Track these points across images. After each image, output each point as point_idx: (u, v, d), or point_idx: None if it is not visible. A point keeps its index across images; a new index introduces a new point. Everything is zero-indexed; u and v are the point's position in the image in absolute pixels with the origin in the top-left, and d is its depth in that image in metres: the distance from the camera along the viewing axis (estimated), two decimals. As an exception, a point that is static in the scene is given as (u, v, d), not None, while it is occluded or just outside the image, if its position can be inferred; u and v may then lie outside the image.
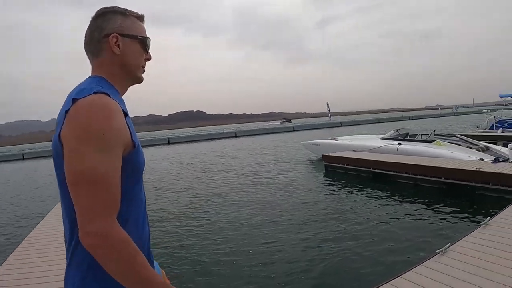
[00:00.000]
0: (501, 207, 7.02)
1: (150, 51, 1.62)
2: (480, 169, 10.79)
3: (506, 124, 26.56)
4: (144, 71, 1.60)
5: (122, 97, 1.54)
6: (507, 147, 13.22)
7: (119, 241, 1.21)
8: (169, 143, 54.50)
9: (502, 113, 29.42)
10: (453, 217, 9.14)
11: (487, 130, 27.27)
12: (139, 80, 1.61)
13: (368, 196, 11.93)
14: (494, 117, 28.03)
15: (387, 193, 12.06)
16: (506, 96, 29.38)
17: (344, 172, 15.98)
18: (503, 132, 24.99)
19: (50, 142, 1.39)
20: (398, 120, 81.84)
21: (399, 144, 16.37)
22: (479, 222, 6.02)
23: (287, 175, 17.00)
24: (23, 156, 49.97)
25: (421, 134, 17.46)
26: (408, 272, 4.32)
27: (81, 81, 1.44)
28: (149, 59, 1.62)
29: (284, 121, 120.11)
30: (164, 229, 9.72)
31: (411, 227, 8.61)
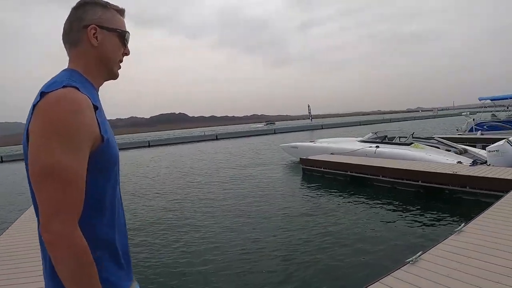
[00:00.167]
0: (479, 210, 6.93)
1: (130, 47, 1.61)
2: (457, 173, 10.73)
3: (485, 127, 26.80)
4: (120, 66, 1.58)
5: (98, 91, 1.52)
6: (485, 149, 13.23)
7: (80, 248, 1.20)
8: (149, 146, 53.92)
9: (481, 115, 29.65)
10: (429, 221, 9.03)
11: (466, 132, 27.50)
12: (115, 76, 1.59)
13: (345, 200, 11.81)
14: (474, 119, 28.25)
15: (364, 197, 11.92)
16: (485, 99, 29.62)
17: (321, 175, 15.83)
18: (482, 134, 25.22)
19: None
20: (379, 122, 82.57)
21: (377, 147, 16.32)
22: (455, 226, 5.88)
23: (264, 179, 16.81)
24: (1, 159, 48.28)
25: (399, 137, 17.43)
26: (375, 283, 4.13)
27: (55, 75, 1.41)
28: (127, 54, 1.60)
29: (268, 123, 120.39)
30: (133, 238, 9.40)
31: (387, 232, 8.44)
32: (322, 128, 73.43)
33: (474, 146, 19.20)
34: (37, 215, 1.28)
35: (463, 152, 14.78)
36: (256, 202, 12.35)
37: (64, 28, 1.48)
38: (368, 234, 8.40)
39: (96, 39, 1.46)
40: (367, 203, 11.14)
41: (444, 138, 20.07)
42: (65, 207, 1.19)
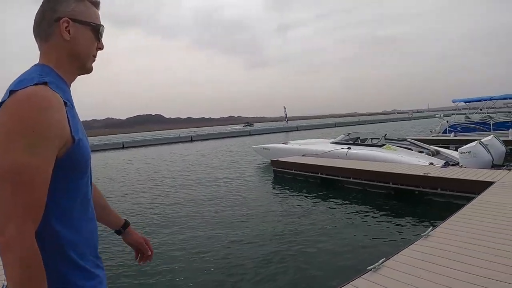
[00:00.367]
0: (450, 212, 6.77)
1: (106, 46, 1.57)
2: (428, 174, 10.59)
3: (458, 128, 27.12)
4: (94, 60, 1.53)
5: (70, 86, 1.47)
6: (458, 151, 13.20)
7: (31, 253, 1.15)
8: (123, 147, 52.89)
9: (455, 117, 29.97)
10: (399, 224, 8.87)
11: (440, 134, 27.79)
12: (88, 70, 1.53)
13: (315, 203, 11.58)
14: (447, 121, 28.55)
15: (334, 199, 11.72)
16: (459, 101, 30.00)
17: (292, 177, 15.61)
18: (455, 136, 25.45)
19: None
20: (355, 124, 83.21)
21: (349, 148, 16.16)
22: (424, 230, 5.67)
23: (235, 181, 16.53)
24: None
25: (372, 139, 17.36)
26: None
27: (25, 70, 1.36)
28: (101, 49, 1.55)
29: (246, 125, 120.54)
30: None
31: (354, 237, 8.21)
32: (297, 130, 73.46)
33: (448, 148, 19.31)
34: None
35: (436, 154, 14.75)
36: (224, 205, 12.04)
37: (35, 19, 1.43)
38: (336, 239, 8.13)
39: (68, 33, 1.40)
40: (337, 206, 10.94)
41: (417, 140, 20.11)
42: (21, 210, 1.15)
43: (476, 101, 29.56)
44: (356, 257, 6.90)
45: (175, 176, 19.67)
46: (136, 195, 15.02)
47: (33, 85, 1.21)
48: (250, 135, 67.64)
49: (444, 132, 27.60)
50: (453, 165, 12.57)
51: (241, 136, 65.62)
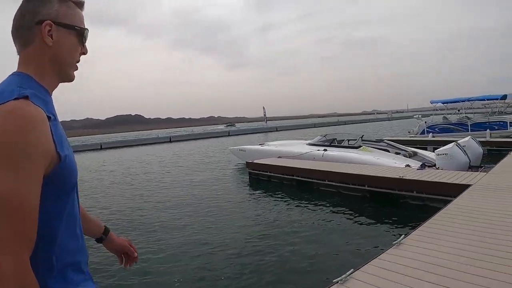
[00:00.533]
0: (427, 215, 6.62)
1: (87, 45, 1.47)
2: (403, 177, 10.43)
3: (436, 129, 27.33)
4: (77, 67, 1.43)
5: (52, 94, 1.37)
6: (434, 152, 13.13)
7: (32, 285, 1.10)
8: (101, 148, 51.86)
9: (433, 118, 30.16)
10: (374, 229, 8.69)
11: (418, 135, 27.93)
12: (71, 78, 1.43)
13: (288, 206, 11.36)
14: (425, 122, 28.71)
15: (308, 202, 11.49)
16: (437, 102, 30.24)
17: (267, 179, 15.37)
18: (433, 137, 25.59)
19: None
20: (334, 124, 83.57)
21: (325, 150, 15.98)
22: (398, 236, 5.44)
23: (210, 183, 16.21)
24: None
25: (348, 140, 17.23)
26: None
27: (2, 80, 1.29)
28: (84, 53, 1.45)
29: (229, 125, 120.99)
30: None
31: (327, 243, 7.97)
32: (277, 131, 73.30)
33: (425, 148, 19.34)
34: None
35: (412, 155, 14.66)
36: (197, 209, 11.75)
37: (14, 21, 1.32)
38: (306, 246, 7.83)
39: (51, 38, 1.30)
40: (311, 210, 10.72)
41: (395, 141, 20.06)
42: (14, 241, 1.07)
43: (454, 102, 29.82)
44: (324, 267, 6.64)
45: (149, 179, 19.19)
46: (106, 199, 14.57)
47: (13, 99, 1.12)
48: (229, 135, 67.28)
49: (422, 132, 27.79)
50: (429, 166, 12.49)
51: (220, 136, 65.16)
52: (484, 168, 12.69)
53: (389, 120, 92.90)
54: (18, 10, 1.31)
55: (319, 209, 10.71)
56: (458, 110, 31.77)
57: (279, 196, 12.85)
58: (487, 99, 30.83)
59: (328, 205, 11.01)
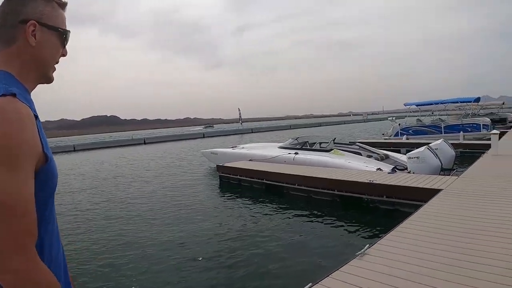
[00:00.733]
0: (396, 221, 6.51)
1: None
2: (373, 181, 10.30)
3: (410, 131, 27.48)
4: (55, 69, 1.42)
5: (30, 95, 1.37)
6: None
7: (45, 281, 1.12)
8: (74, 150, 51.13)
9: (407, 120, 30.36)
10: (342, 236, 8.52)
11: (392, 137, 28.03)
12: (50, 80, 1.42)
13: (257, 211, 11.16)
14: (399, 124, 28.85)
15: (278, 208, 11.33)
16: (411, 105, 30.46)
17: (237, 183, 15.18)
18: (407, 139, 25.69)
19: None
20: (310, 126, 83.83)
21: (296, 153, 15.83)
22: (370, 240, 5.25)
23: (180, 187, 15.97)
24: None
25: (320, 143, 17.09)
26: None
27: None
28: (64, 55, 1.43)
29: (207, 126, 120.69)
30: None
31: (291, 252, 7.77)
32: (252, 132, 73.14)
33: (399, 151, 19.36)
34: None
35: (384, 158, 14.58)
36: (165, 214, 11.56)
37: None
38: (271, 255, 7.61)
39: (34, 38, 1.29)
40: (280, 215, 10.54)
41: (369, 143, 19.99)
42: (21, 241, 1.08)
43: (428, 104, 30.09)
44: (285, 281, 6.42)
45: (118, 183, 18.78)
46: (72, 205, 14.10)
47: (1, 96, 1.11)
48: (204, 137, 66.78)
49: (396, 135, 27.94)
50: (401, 170, 12.41)
51: (195, 138, 64.63)
52: (456, 171, 12.67)
53: (364, 121, 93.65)
54: (0, 8, 1.30)
55: (288, 214, 10.52)
56: (432, 113, 32.06)
57: (248, 200, 12.67)
58: (461, 102, 31.22)
59: (297, 210, 10.85)
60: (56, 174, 1.29)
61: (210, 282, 6.52)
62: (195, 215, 11.34)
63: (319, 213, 10.29)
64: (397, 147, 22.45)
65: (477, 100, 30.00)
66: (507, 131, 25.53)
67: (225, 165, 16.30)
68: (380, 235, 5.87)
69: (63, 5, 1.40)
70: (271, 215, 10.67)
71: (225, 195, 14.02)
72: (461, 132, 23.86)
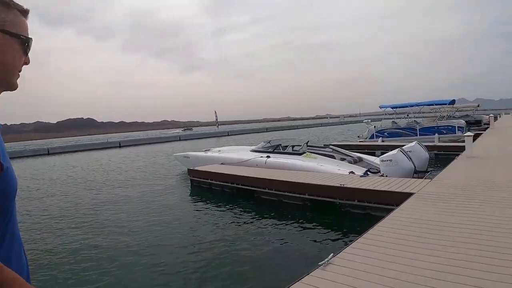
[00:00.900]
0: (368, 226, 6.31)
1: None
2: (344, 185, 10.10)
3: (386, 134, 27.51)
4: (19, 76, 1.37)
5: None
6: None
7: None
8: (48, 154, 50.21)
9: (382, 123, 30.44)
10: (310, 242, 8.29)
11: (367, 139, 28.03)
12: (13, 87, 1.38)
13: (226, 216, 10.95)
14: (375, 126, 28.89)
15: (248, 212, 11.11)
16: (386, 107, 30.54)
17: (209, 187, 14.87)
18: (383, 141, 25.69)
19: None
20: (286, 129, 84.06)
21: (268, 157, 15.58)
22: (339, 246, 4.99)
23: (151, 193, 15.52)
24: None
25: (293, 146, 16.89)
26: None
27: None
28: (27, 63, 1.39)
29: (185, 129, 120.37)
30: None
31: (257, 259, 7.54)
32: (228, 135, 72.90)
33: (374, 153, 19.31)
34: None
35: (358, 161, 14.44)
36: (135, 218, 11.38)
37: None
38: (237, 263, 7.38)
39: None
40: (250, 220, 10.31)
41: (344, 146, 19.87)
42: None
43: (403, 107, 30.18)
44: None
45: (89, 188, 18.30)
46: (39, 211, 13.56)
47: None
48: (180, 140, 66.29)
49: (372, 137, 27.98)
50: (374, 173, 12.25)
51: (171, 141, 64.16)
52: (430, 173, 12.57)
53: (341, 124, 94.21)
54: None
55: (257, 220, 10.28)
56: (407, 115, 32.23)
57: (218, 205, 12.40)
58: (436, 104, 31.44)
59: (266, 215, 10.61)
60: (15, 182, 1.27)
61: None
62: (163, 221, 11.03)
63: (289, 218, 10.06)
64: (372, 150, 22.54)
65: (452, 102, 30.25)
66: (482, 133, 25.79)
67: (196, 169, 15.99)
68: (346, 243, 5.62)
69: (25, 13, 1.37)
70: (239, 220, 10.42)
71: (196, 200, 13.75)
72: (436, 134, 23.93)
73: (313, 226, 9.30)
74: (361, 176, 11.34)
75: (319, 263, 4.68)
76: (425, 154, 13.84)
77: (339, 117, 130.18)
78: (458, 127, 26.07)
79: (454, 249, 4.84)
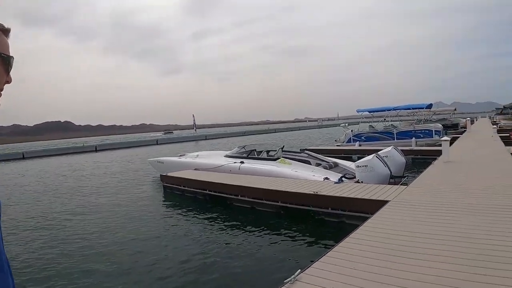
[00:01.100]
0: (342, 234, 6.22)
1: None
2: (318, 193, 9.86)
3: (363, 138, 27.49)
4: (1, 95, 1.34)
5: None
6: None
7: None
8: (23, 158, 49.46)
9: (359, 126, 30.44)
10: (281, 252, 8.02)
11: (344, 143, 27.95)
12: None
13: (198, 225, 10.71)
14: (352, 130, 28.84)
15: (220, 220, 10.86)
16: (363, 111, 30.54)
17: (181, 193, 14.58)
18: (360, 145, 25.63)
19: None
20: (264, 132, 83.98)
21: (242, 162, 15.31)
22: (314, 254, 4.73)
23: (122, 200, 15.17)
24: None
25: (268, 151, 16.65)
26: None
27: None
28: (8, 82, 1.35)
29: (166, 132, 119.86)
30: None
31: (228, 269, 7.27)
32: (206, 139, 72.47)
33: (351, 158, 19.20)
34: None
35: (333, 166, 14.24)
36: (103, 227, 11.10)
37: None
38: (204, 274, 7.12)
39: None
40: (221, 228, 10.08)
41: (320, 150, 19.70)
42: None
43: (380, 110, 30.20)
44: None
45: (59, 195, 17.77)
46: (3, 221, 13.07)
47: None
48: (157, 144, 65.68)
49: (349, 141, 27.93)
50: (350, 179, 12.05)
51: (148, 145, 63.51)
52: (406, 178, 12.46)
53: (319, 127, 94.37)
54: None
55: (229, 228, 10.01)
56: (385, 119, 32.31)
57: (191, 212, 12.11)
58: (413, 108, 31.58)
59: (238, 223, 10.36)
60: None
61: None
62: (134, 228, 10.82)
63: (262, 227, 9.79)
64: (349, 154, 22.50)
65: (429, 106, 30.41)
66: (459, 136, 25.94)
67: (169, 175, 15.67)
68: (316, 256, 5.35)
69: (6, 32, 1.33)
70: (210, 229, 10.15)
71: (168, 207, 13.48)
72: (413, 138, 23.96)
73: (286, 234, 9.04)
74: (335, 183, 11.12)
75: (285, 281, 4.41)
76: (401, 159, 13.74)
77: (317, 120, 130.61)
78: (435, 131, 26.15)
79: (427, 263, 4.63)
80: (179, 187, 14.73)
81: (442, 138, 15.21)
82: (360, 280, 4.28)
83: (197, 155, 19.77)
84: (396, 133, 26.70)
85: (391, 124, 30.38)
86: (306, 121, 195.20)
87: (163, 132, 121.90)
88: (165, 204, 14.00)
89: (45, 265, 8.21)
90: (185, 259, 7.89)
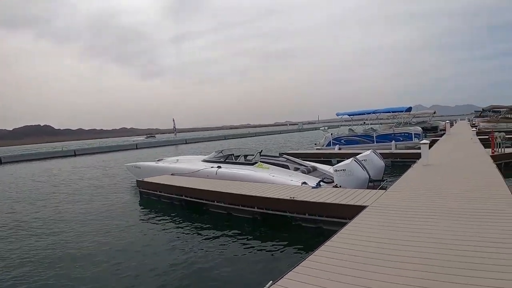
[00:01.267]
0: (319, 241, 6.13)
1: None
2: (295, 198, 9.67)
3: (342, 141, 27.44)
4: None
5: None
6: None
7: None
8: (1, 163, 48.76)
9: (339, 130, 30.41)
10: (256, 260, 7.81)
11: (324, 147, 27.90)
12: None
13: (173, 231, 10.45)
14: (331, 134, 28.79)
15: (195, 226, 10.63)
16: (343, 115, 30.53)
17: (158, 199, 14.31)
18: (340, 149, 25.59)
19: None
20: (244, 136, 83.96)
21: (219, 167, 15.10)
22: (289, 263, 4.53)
23: (98, 206, 14.77)
24: None
25: (246, 155, 16.46)
26: None
27: None
28: None
29: (148, 136, 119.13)
30: None
31: (205, 275, 7.14)
32: (186, 143, 72.22)
33: (330, 162, 19.08)
34: None
35: (312, 171, 14.07)
36: (79, 232, 10.94)
37: None
38: (179, 280, 6.95)
39: None
40: (197, 235, 9.85)
41: (300, 154, 19.55)
42: None
43: (360, 114, 30.23)
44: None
45: (34, 200, 17.46)
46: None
47: None
48: (137, 148, 65.17)
49: (328, 145, 27.90)
50: (328, 183, 11.89)
51: (127, 150, 62.94)
52: (385, 182, 12.36)
53: (299, 131, 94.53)
54: None
55: (204, 235, 9.80)
56: (364, 122, 32.37)
57: (166, 218, 11.89)
58: (393, 111, 31.68)
59: (215, 229, 10.17)
60: None
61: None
62: (106, 235, 10.50)
63: (238, 233, 9.62)
64: (328, 158, 22.45)
65: (409, 109, 30.53)
66: (438, 139, 26.05)
67: (145, 180, 15.39)
68: (290, 265, 5.16)
69: None
70: (185, 235, 9.95)
71: (144, 213, 13.19)
72: (393, 142, 23.97)
73: (262, 241, 8.87)
74: (313, 188, 10.96)
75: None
76: (380, 163, 13.64)
77: (297, 124, 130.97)
78: (414, 134, 26.21)
79: (396, 271, 4.50)
80: (156, 192, 14.44)
81: (422, 141, 15.19)
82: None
83: (177, 159, 19.49)
84: (375, 136, 26.69)
85: (371, 128, 30.40)
86: (287, 124, 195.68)
87: (145, 136, 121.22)
88: (140, 210, 13.71)
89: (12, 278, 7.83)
90: (155, 267, 7.68)
